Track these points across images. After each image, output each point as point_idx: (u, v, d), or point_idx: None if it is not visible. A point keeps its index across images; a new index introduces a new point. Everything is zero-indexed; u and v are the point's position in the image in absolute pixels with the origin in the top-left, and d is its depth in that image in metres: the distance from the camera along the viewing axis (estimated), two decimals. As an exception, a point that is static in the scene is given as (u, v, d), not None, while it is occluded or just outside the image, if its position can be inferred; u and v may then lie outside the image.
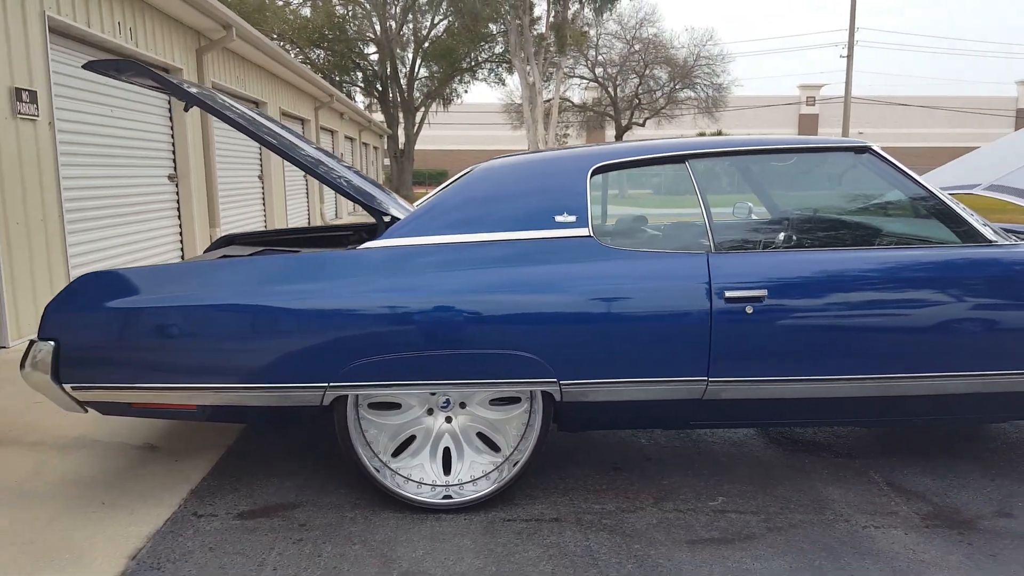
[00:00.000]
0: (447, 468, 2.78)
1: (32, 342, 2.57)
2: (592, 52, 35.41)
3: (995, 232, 2.76)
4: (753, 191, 3.39)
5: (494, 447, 2.79)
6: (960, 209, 2.79)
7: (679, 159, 2.86)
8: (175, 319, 2.55)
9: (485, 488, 2.74)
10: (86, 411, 2.69)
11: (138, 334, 2.56)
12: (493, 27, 32.22)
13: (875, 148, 2.85)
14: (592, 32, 34.40)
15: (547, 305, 2.58)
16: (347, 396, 2.64)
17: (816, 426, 3.52)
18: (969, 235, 2.76)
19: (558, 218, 2.68)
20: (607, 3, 29.38)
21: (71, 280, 2.75)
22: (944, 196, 2.81)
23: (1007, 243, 2.72)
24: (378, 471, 2.73)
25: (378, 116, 32.85)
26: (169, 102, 8.01)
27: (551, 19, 30.47)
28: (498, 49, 32.69)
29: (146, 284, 2.61)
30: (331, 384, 2.55)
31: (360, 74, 34.47)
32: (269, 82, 11.87)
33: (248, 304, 2.55)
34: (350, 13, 33.01)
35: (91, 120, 6.40)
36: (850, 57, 31.89)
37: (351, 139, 22.38)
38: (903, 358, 2.63)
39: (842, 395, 2.67)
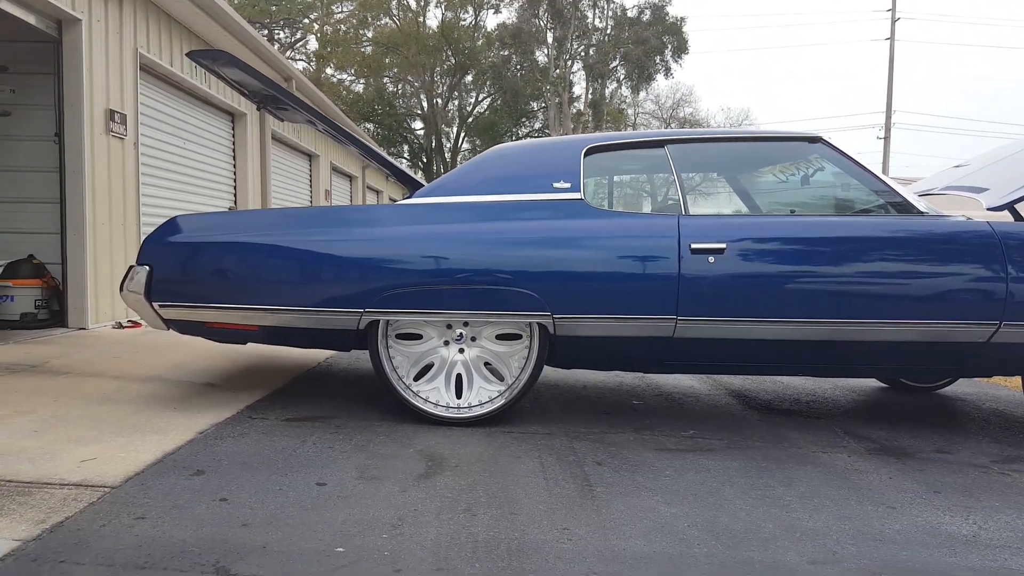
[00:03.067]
0: (459, 393, 3.31)
1: (131, 267, 3.22)
2: (630, 130, 36.67)
3: (927, 206, 3.28)
4: (720, 172, 3.97)
5: (499, 377, 3.32)
6: (896, 186, 3.32)
7: (659, 144, 3.47)
8: (241, 252, 3.18)
9: (490, 407, 3.26)
10: (168, 328, 3.30)
11: (211, 263, 3.20)
12: (534, 104, 33.75)
13: (826, 138, 3.42)
14: (630, 111, 35.72)
15: (544, 251, 3.15)
16: (378, 321, 3.21)
17: (777, 374, 3.90)
18: (904, 208, 3.28)
19: (556, 184, 3.28)
20: (643, 82, 30.63)
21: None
22: (884, 177, 3.35)
23: (936, 214, 3.23)
24: (403, 391, 3.27)
25: (421, 185, 34.09)
26: (233, 140, 8.91)
27: (589, 96, 31.85)
28: (538, 124, 34.11)
29: (221, 224, 3.27)
30: (366, 310, 3.14)
31: (407, 146, 36.12)
32: (322, 138, 12.87)
33: (302, 243, 3.17)
34: (400, 91, 34.92)
35: (167, 147, 7.26)
36: (887, 139, 32.52)
37: (394, 200, 23.44)
38: (845, 306, 3.11)
39: (794, 337, 3.15)
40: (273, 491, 2.36)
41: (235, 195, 9.02)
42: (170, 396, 3.61)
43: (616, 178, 5.01)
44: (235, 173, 9.02)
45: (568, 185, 3.28)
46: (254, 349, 4.98)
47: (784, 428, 3.46)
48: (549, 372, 4.54)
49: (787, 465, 2.88)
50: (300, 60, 33.67)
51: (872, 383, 4.61)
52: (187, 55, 3.54)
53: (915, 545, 2.14)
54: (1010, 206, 3.37)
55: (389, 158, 3.65)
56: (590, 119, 31.15)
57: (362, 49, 33.06)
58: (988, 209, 3.36)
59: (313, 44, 33.47)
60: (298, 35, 32.71)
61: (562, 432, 3.24)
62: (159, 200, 7.04)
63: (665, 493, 2.50)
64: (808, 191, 3.75)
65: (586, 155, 3.39)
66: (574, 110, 31.27)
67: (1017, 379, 4.76)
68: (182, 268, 3.23)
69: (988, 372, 3.46)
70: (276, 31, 31.14)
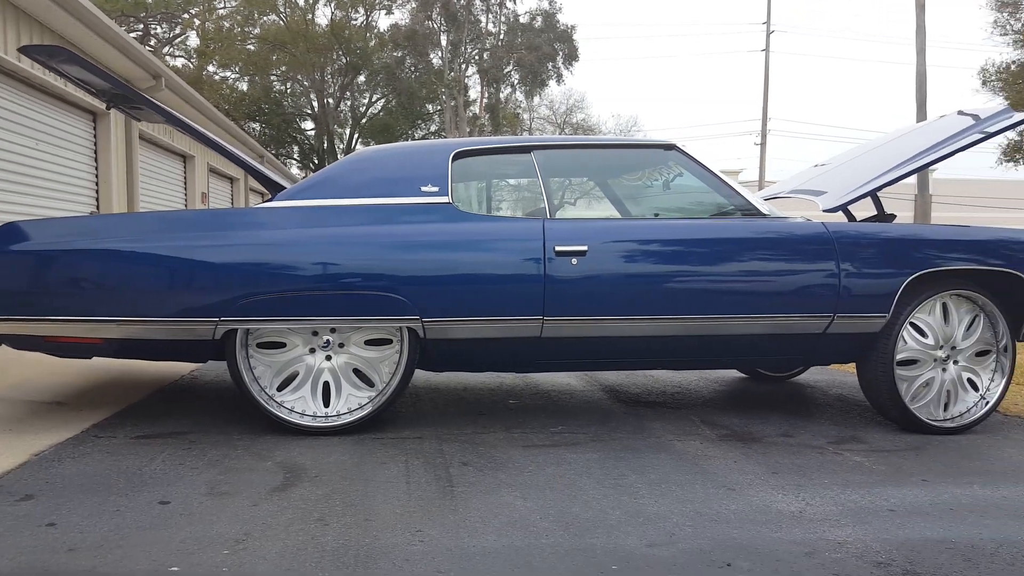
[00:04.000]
0: (327, 401, 3.26)
1: (-44, 281, 3.00)
2: (525, 134, 37.07)
3: (770, 208, 3.48)
4: (584, 177, 4.10)
5: (369, 383, 3.29)
6: (742, 190, 3.51)
7: (526, 150, 3.55)
8: (79, 260, 3.03)
9: (359, 414, 3.23)
10: (0, 344, 3.10)
11: (46, 272, 3.05)
12: (429, 107, 33.61)
13: (680, 146, 3.57)
14: (525, 116, 36.11)
15: (413, 255, 3.15)
16: (236, 331, 3.13)
17: (639, 369, 4.05)
18: (749, 210, 3.46)
19: (424, 188, 3.29)
20: (537, 88, 31.06)
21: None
22: (732, 182, 3.54)
23: (777, 216, 3.44)
24: (266, 403, 3.19)
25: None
26: (95, 141, 8.45)
27: (485, 100, 32.01)
28: (434, 127, 33.96)
29: (56, 231, 3.10)
30: (222, 319, 3.05)
31: (297, 147, 35.23)
32: (200, 139, 12.38)
33: (150, 248, 3.05)
34: (288, 90, 34.02)
35: (16, 149, 6.73)
36: (763, 145, 34.11)
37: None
38: (699, 302, 3.26)
39: (654, 333, 3.28)
40: (109, 512, 2.26)
41: (98, 200, 8.54)
42: (7, 416, 3.38)
43: (485, 183, 5.07)
44: (98, 176, 8.54)
45: (436, 189, 3.30)
46: (113, 363, 4.74)
47: (647, 419, 3.60)
48: (428, 375, 4.54)
49: (644, 454, 3.00)
50: (180, 57, 32.30)
51: (733, 374, 4.85)
52: (19, 50, 3.33)
53: (747, 523, 2.28)
54: (843, 208, 3.63)
55: (250, 159, 3.55)
56: (487, 123, 31.30)
57: (247, 47, 32.01)
58: (824, 211, 3.61)
59: (194, 40, 32.16)
60: (177, 30, 31.32)
61: (433, 435, 3.25)
62: (7, 206, 6.58)
63: (524, 488, 2.56)
64: (667, 196, 3.92)
65: (454, 159, 3.42)
66: (470, 113, 31.34)
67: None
68: (14, 278, 3.05)
69: (828, 360, 3.72)
70: (153, 26, 29.70)
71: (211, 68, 31.79)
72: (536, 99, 33.98)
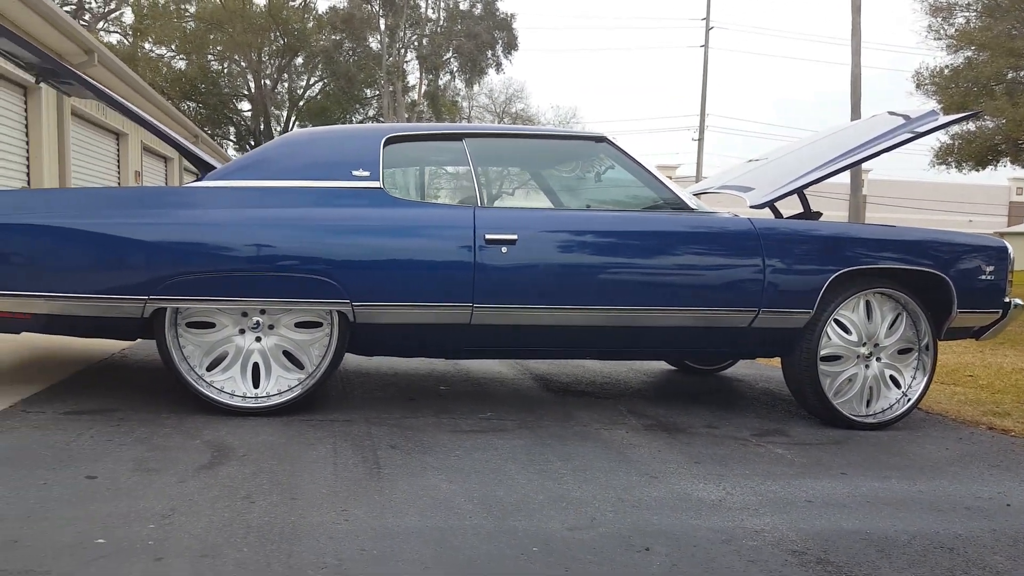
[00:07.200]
0: (256, 382, 3.25)
1: None
2: (464, 122, 36.92)
3: (698, 203, 3.60)
4: (517, 166, 4.17)
5: (299, 365, 3.29)
6: (671, 184, 3.62)
7: (458, 137, 3.59)
8: (11, 235, 2.96)
9: (289, 396, 3.23)
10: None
11: None
12: (368, 91, 33.21)
13: (610, 138, 3.66)
14: (464, 104, 36.01)
15: (343, 239, 3.17)
16: (165, 309, 3.10)
17: (567, 358, 4.12)
18: (677, 204, 3.58)
19: (355, 172, 3.31)
20: (476, 76, 31.00)
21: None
22: (661, 176, 3.64)
23: (705, 211, 3.56)
24: (195, 382, 3.17)
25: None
26: (26, 116, 8.15)
27: (424, 87, 31.81)
28: (372, 112, 33.57)
29: None
30: (151, 297, 3.01)
31: (233, 128, 34.39)
32: (132, 115, 12.01)
33: (80, 224, 3.00)
34: (225, 69, 33.16)
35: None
36: (701, 140, 34.84)
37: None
38: (626, 293, 3.35)
39: (581, 323, 3.36)
40: (36, 486, 2.24)
41: (28, 175, 8.24)
42: (-71, 393, 3.29)
43: (418, 169, 5.09)
44: (28, 151, 8.23)
45: (367, 174, 3.31)
46: (43, 339, 4.62)
47: (574, 408, 3.69)
48: (360, 360, 4.55)
49: (569, 442, 3.08)
50: (115, 32, 31.11)
51: (663, 366, 4.99)
52: (-57, 20, 3.22)
53: (667, 510, 2.37)
54: (771, 204, 3.77)
55: (181, 139, 3.51)
56: (426, 109, 31.11)
57: (184, 24, 31.02)
58: (751, 207, 3.74)
59: (130, 16, 31.00)
60: (112, 5, 30.15)
61: (362, 418, 3.28)
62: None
63: (450, 472, 2.61)
64: (599, 188, 4.01)
65: (386, 144, 3.43)
66: (408, 100, 31.11)
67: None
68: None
69: (754, 354, 3.86)
70: (87, 0, 28.52)
71: (147, 46, 30.75)
72: (476, 87, 33.95)
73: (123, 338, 3.30)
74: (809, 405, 3.60)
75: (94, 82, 3.35)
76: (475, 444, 2.98)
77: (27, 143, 8.25)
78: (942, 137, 16.28)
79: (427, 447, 2.90)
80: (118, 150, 12.01)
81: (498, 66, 30.90)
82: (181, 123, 14.16)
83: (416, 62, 31.49)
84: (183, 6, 31.03)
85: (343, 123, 32.59)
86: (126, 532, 1.95)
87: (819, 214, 4.08)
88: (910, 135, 3.74)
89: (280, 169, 3.28)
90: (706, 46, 30.96)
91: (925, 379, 3.60)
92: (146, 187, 3.38)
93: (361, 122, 33.43)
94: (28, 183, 8.28)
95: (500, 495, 2.41)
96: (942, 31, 15.87)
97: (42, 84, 3.70)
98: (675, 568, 1.96)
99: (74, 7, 25.99)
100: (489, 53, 30.28)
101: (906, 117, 3.97)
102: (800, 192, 3.80)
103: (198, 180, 3.26)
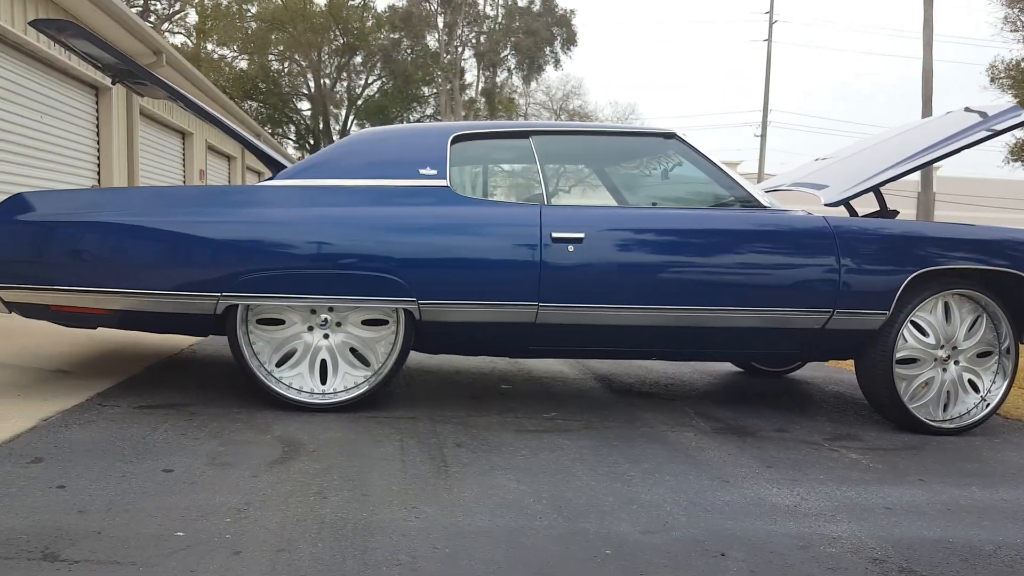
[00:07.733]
0: (324, 379, 3.29)
1: (-34, 248, 3.02)
2: (521, 119, 36.91)
3: (770, 200, 3.51)
4: (583, 164, 4.12)
5: (365, 362, 3.32)
6: (742, 181, 3.53)
7: (524, 135, 3.56)
8: (90, 232, 3.05)
9: (355, 393, 3.26)
10: (10, 312, 3.12)
11: (58, 243, 3.06)
12: (425, 89, 33.50)
13: (680, 135, 3.59)
14: (521, 101, 36.01)
15: (410, 237, 3.17)
16: (237, 306, 3.15)
17: (635, 359, 4.07)
18: (748, 202, 3.49)
19: (422, 171, 3.31)
20: (534, 72, 30.98)
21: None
22: (732, 173, 3.56)
23: (778, 208, 3.47)
24: (264, 378, 3.22)
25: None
26: (97, 116, 8.42)
27: (482, 84, 31.94)
28: (429, 110, 33.85)
29: (70, 202, 3.11)
30: (224, 294, 3.07)
31: (293, 127, 35.08)
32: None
33: (156, 223, 3.07)
34: (285, 68, 33.84)
35: (20, 122, 6.77)
36: (764, 136, 34.20)
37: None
38: (695, 293, 3.29)
39: (648, 323, 3.31)
40: (116, 478, 2.30)
41: (99, 173, 8.52)
42: (14, 383, 3.41)
43: (482, 167, 5.09)
44: (99, 150, 8.51)
45: (434, 172, 3.31)
46: (114, 334, 4.76)
47: (640, 409, 3.64)
48: (422, 358, 4.57)
49: (636, 444, 3.03)
50: (179, 33, 32.06)
51: (728, 367, 4.89)
52: (30, 24, 3.34)
53: (741, 515, 2.32)
54: (845, 202, 3.66)
55: (251, 138, 3.57)
56: (483, 107, 31.24)
57: (246, 25, 31.77)
58: (825, 205, 3.63)
59: (193, 17, 31.91)
60: (176, 7, 31.06)
61: (427, 416, 3.28)
62: (11, 178, 6.57)
63: (517, 471, 2.60)
64: (665, 185, 3.94)
65: (453, 143, 3.43)
66: (466, 97, 31.28)
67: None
68: (27, 248, 3.06)
69: (825, 356, 3.74)
70: (152, 2, 29.45)
71: (209, 46, 31.59)
72: (533, 84, 33.93)
73: (194, 334, 3.37)
74: (883, 409, 3.49)
75: (169, 83, 3.43)
76: (541, 444, 2.95)
77: (98, 143, 8.53)
78: (1018, 133, 15.64)
79: (493, 446, 2.89)
80: (183, 149, 12.34)
81: (556, 62, 30.86)
82: (244, 122, 14.48)
83: (474, 59, 31.63)
84: (245, 6, 31.79)
85: (401, 122, 32.94)
86: (204, 525, 1.99)
87: (895, 212, 3.95)
88: (988, 132, 3.58)
89: (348, 168, 3.31)
90: (769, 40, 30.38)
91: (1005, 383, 3.46)
92: (218, 186, 3.45)
93: (419, 120, 33.75)
94: (98, 182, 8.57)
95: (569, 496, 2.38)
96: (1019, 22, 15.21)
97: (116, 85, 3.80)
98: (753, 574, 1.90)
99: (140, 9, 26.85)
100: (547, 49, 30.25)
101: (983, 113, 3.80)
102: (876, 190, 3.68)
103: (269, 179, 3.30)
